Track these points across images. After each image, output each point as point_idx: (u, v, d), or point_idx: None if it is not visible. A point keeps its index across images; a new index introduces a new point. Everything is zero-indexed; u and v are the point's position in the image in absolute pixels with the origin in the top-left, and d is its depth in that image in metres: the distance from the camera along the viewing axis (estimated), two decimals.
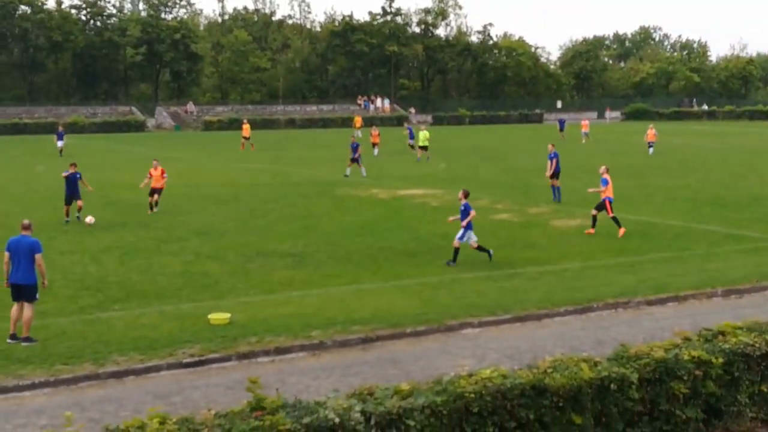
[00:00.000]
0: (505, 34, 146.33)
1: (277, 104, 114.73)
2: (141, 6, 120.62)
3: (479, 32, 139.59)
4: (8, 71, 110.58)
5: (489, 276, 22.54)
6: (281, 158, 58.70)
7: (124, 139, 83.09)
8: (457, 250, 23.67)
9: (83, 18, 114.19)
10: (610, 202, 28.38)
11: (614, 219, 28.26)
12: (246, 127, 69.88)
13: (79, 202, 31.21)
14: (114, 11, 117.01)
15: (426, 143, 55.94)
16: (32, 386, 14.77)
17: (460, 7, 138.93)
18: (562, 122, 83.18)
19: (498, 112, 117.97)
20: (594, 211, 28.56)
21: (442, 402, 9.81)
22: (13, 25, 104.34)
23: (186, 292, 20.90)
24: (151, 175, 33.79)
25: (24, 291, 16.76)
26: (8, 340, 16.64)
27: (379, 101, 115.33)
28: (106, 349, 16.31)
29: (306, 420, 9.21)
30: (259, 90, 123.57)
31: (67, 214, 30.97)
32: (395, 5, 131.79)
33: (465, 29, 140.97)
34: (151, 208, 33.00)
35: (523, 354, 15.81)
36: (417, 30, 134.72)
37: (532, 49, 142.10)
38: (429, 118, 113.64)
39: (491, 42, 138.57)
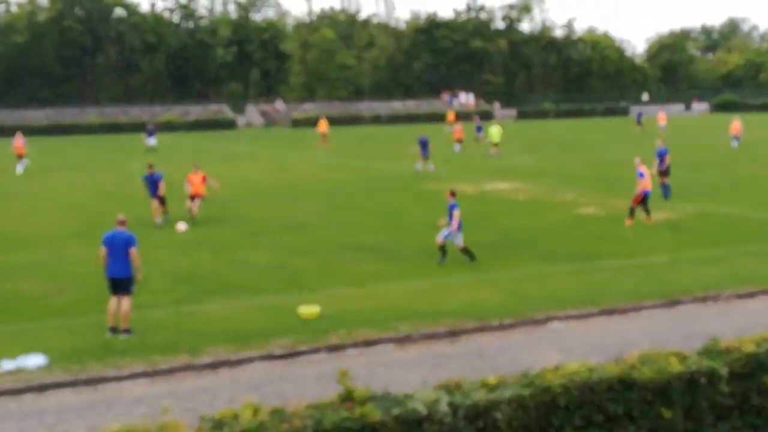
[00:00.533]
0: (589, 28, 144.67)
1: (362, 101, 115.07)
2: (231, 7, 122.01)
3: (563, 26, 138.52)
4: (105, 72, 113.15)
5: (575, 269, 22.27)
6: (367, 154, 58.91)
7: (216, 137, 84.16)
8: (442, 248, 23.37)
9: (176, 20, 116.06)
10: (646, 195, 28.51)
11: (632, 210, 28.58)
12: (323, 122, 70.54)
13: (154, 203, 30.28)
14: (205, 13, 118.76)
15: (498, 140, 55.12)
16: (131, 376, 15.07)
17: (544, 2, 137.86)
18: (639, 115, 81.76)
19: (583, 106, 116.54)
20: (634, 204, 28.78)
21: (529, 395, 9.71)
22: (109, 28, 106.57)
23: (276, 285, 21.08)
24: (190, 181, 31.15)
25: (121, 284, 17.08)
26: (107, 333, 17.01)
27: (463, 96, 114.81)
28: (201, 340, 16.55)
29: (395, 411, 9.20)
30: (345, 87, 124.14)
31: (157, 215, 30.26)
32: (479, 1, 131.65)
33: (549, 24, 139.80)
34: (192, 217, 30.40)
35: (609, 348, 15.56)
36: (501, 25, 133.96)
37: (617, 43, 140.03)
38: (513, 112, 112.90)
39: (575, 36, 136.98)
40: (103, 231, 18.52)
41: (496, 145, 55.03)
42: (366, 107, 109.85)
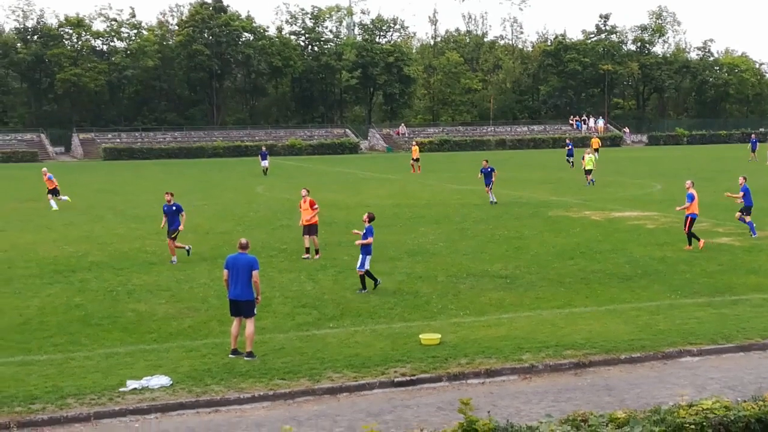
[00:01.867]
0: (726, 50, 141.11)
1: (487, 125, 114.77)
2: (356, 31, 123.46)
3: (699, 48, 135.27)
4: (232, 96, 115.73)
5: (709, 302, 21.64)
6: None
7: (339, 160, 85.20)
8: (362, 278, 23.19)
9: (302, 44, 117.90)
10: (693, 219, 28.87)
11: (689, 235, 28.86)
12: (415, 149, 71.11)
13: (170, 242, 28.05)
14: (331, 36, 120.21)
15: (591, 166, 53.12)
16: (252, 399, 15.31)
17: (679, 24, 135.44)
18: (754, 142, 77.46)
19: (718, 132, 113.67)
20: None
21: None
22: (237, 52, 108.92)
23: (397, 311, 21.13)
24: (301, 209, 29.09)
25: (242, 306, 17.40)
26: (230, 355, 17.33)
27: (592, 121, 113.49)
28: (322, 365, 16.70)
29: None
30: (469, 111, 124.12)
31: (172, 252, 28.07)
32: (610, 23, 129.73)
33: (684, 46, 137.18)
34: (317, 251, 28.64)
35: (746, 385, 15.11)
36: (632, 47, 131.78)
37: (757, 65, 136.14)
38: (644, 137, 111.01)
39: (712, 58, 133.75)
40: (227, 253, 18.94)
41: (588, 172, 53.01)
42: (491, 131, 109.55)
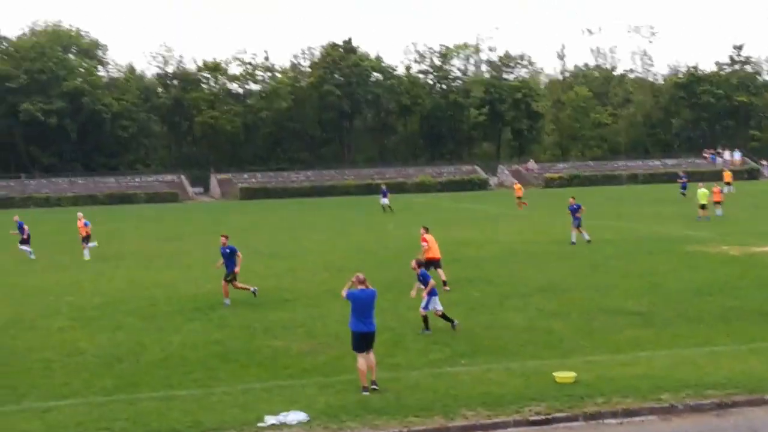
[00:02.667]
0: None
1: (618, 159, 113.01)
2: (484, 68, 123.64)
3: None
4: (362, 135, 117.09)
5: None
6: (624, 214, 57.68)
7: (468, 197, 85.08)
8: (425, 318, 22.61)
9: (430, 82, 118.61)
10: None
11: None
12: (518, 187, 72.34)
13: (224, 284, 27.73)
14: (459, 74, 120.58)
15: (704, 201, 51.52)
16: None
17: None
18: None
19: None
20: None
21: None
22: (366, 92, 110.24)
23: (530, 348, 20.83)
24: (425, 241, 29.68)
25: (368, 339, 17.60)
26: (363, 392, 17.39)
27: (727, 154, 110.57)
28: (455, 402, 16.57)
29: None
30: (599, 146, 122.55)
31: (226, 294, 27.75)
32: (744, 53, 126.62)
33: None
34: (444, 284, 28.66)
35: None
36: None
37: None
38: None
39: None
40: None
41: (703, 206, 51.32)
42: (622, 166, 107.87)
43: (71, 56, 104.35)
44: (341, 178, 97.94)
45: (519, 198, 68.82)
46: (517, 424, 15.69)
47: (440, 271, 29.29)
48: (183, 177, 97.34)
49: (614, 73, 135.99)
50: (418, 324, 23.69)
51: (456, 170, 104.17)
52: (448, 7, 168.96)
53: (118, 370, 19.71)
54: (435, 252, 29.52)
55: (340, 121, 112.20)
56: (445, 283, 28.87)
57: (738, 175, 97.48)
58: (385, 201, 67.08)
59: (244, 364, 19.97)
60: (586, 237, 41.45)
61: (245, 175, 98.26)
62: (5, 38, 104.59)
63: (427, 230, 30.23)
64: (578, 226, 41.61)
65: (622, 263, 34.34)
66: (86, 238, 42.26)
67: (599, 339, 21.62)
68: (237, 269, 27.69)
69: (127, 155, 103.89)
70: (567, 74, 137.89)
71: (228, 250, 27.86)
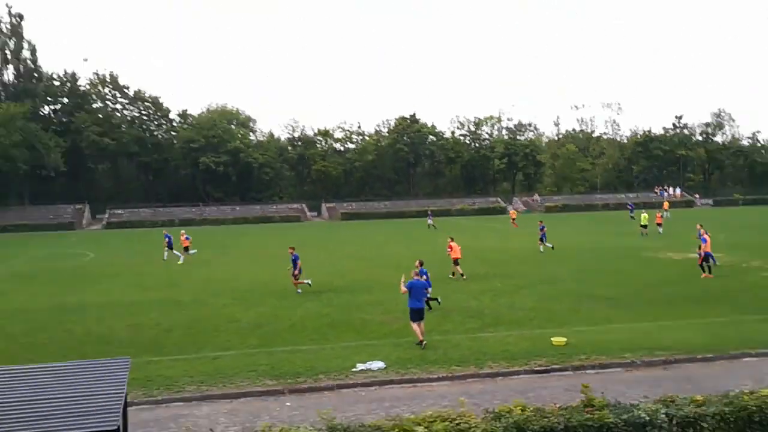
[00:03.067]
0: None
1: (595, 193, 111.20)
2: (504, 132, 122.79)
3: (749, 138, 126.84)
4: (422, 177, 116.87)
5: (765, 318, 20.13)
6: (599, 231, 56.65)
7: (492, 219, 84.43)
8: (427, 302, 21.17)
9: (467, 141, 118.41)
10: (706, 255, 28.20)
11: (701, 267, 28.25)
12: (512, 212, 71.81)
13: (293, 280, 27.35)
14: (486, 136, 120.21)
15: (646, 222, 49.98)
16: (438, 379, 15.28)
17: (734, 120, 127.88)
18: None
19: (766, 196, 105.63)
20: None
21: (730, 411, 8.84)
22: (425, 148, 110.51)
23: (535, 321, 20.67)
24: (450, 247, 30.41)
25: (420, 313, 17.84)
26: (418, 344, 17.48)
27: (671, 189, 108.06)
28: (484, 357, 16.50)
29: (624, 416, 8.71)
30: (583, 184, 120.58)
31: (296, 285, 27.32)
32: (683, 121, 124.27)
33: (738, 135, 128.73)
34: (462, 275, 29.24)
35: None
36: (700, 138, 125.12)
37: None
38: (710, 201, 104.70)
39: (759, 144, 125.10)
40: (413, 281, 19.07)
41: (644, 226, 49.60)
42: (598, 198, 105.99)
43: (232, 126, 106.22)
44: (408, 206, 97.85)
45: (513, 219, 67.72)
46: (526, 372, 15.60)
47: (458, 267, 29.77)
48: (304, 205, 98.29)
49: (593, 135, 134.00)
50: (458, 303, 23.62)
51: (484, 201, 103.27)
52: (480, 89, 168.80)
53: (261, 333, 20.02)
54: (457, 254, 30.08)
55: (407, 168, 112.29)
56: (462, 275, 29.46)
57: (678, 204, 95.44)
58: (430, 221, 67.57)
59: (343, 329, 20.15)
60: (547, 246, 40.14)
61: (345, 204, 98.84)
62: (191, 115, 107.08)
63: (452, 239, 31.18)
64: (542, 240, 40.60)
65: (598, 264, 33.80)
66: (186, 248, 40.65)
67: (583, 315, 21.37)
68: (296, 271, 27.25)
69: (268, 191, 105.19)
70: (560, 136, 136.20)
71: (293, 258, 27.51)
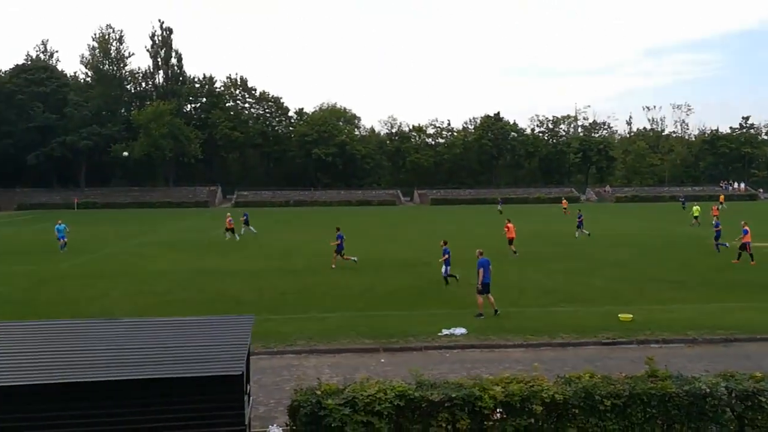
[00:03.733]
0: None
1: (663, 186, 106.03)
2: (579, 130, 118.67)
3: None
4: (503, 169, 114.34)
5: None
6: (666, 221, 53.97)
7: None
8: (445, 279, 22.19)
9: (545, 138, 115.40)
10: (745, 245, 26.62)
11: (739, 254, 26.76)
12: (564, 202, 68.19)
13: (338, 257, 26.70)
14: (563, 133, 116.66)
15: (697, 214, 47.10)
16: (513, 346, 15.06)
17: None
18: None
19: None
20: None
21: None
22: (506, 143, 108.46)
23: (604, 299, 19.96)
24: (507, 227, 30.82)
25: (488, 287, 17.64)
26: (479, 317, 17.25)
27: (735, 184, 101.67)
28: (556, 329, 16.12)
29: (685, 387, 8.32)
30: (651, 178, 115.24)
31: (333, 262, 26.79)
32: (749, 121, 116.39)
33: None
34: (515, 252, 29.40)
35: None
36: (765, 137, 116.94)
37: None
38: None
39: None
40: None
41: (695, 218, 46.76)
42: (666, 190, 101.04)
43: (340, 123, 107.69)
44: (490, 194, 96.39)
45: (564, 208, 64.14)
46: (594, 344, 15.15)
47: (512, 246, 29.94)
48: (398, 191, 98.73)
49: (663, 133, 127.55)
50: (534, 281, 23.12)
51: (559, 190, 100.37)
52: (558, 90, 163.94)
53: (363, 299, 20.29)
54: (512, 233, 30.37)
55: (490, 161, 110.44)
56: (515, 252, 29.54)
57: (741, 198, 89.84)
58: (499, 207, 68.88)
59: (431, 298, 20.13)
60: (582, 234, 38.51)
61: (434, 191, 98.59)
62: (306, 113, 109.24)
63: (509, 221, 31.56)
64: (579, 227, 39.13)
65: (663, 250, 32.27)
66: (230, 230, 38.87)
67: (648, 296, 20.49)
68: (343, 250, 26.84)
69: (368, 178, 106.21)
70: (632, 134, 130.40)
71: (340, 237, 26.98)
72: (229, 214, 42.40)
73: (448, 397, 7.97)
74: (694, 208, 49.39)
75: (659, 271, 25.21)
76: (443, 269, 22.56)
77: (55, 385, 7.27)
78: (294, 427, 8.09)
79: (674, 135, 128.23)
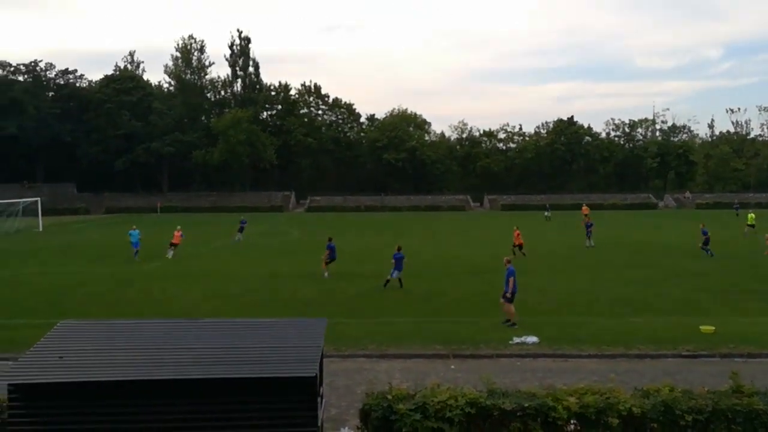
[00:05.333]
0: None
1: (748, 192, 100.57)
2: (657, 133, 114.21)
3: None
4: (576, 173, 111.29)
5: None
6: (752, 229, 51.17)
7: (643, 214, 79.14)
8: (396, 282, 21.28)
9: (621, 142, 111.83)
10: None
11: None
12: (585, 208, 62.63)
13: (323, 265, 25.75)
14: (640, 137, 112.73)
15: (752, 222, 44.14)
16: (588, 356, 14.65)
17: None
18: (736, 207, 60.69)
19: None
20: None
21: None
22: (580, 148, 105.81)
23: (683, 310, 19.11)
24: (518, 235, 32.05)
25: (514, 296, 17.31)
26: (508, 323, 16.97)
27: None
28: (632, 339, 15.57)
29: None
30: (735, 183, 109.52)
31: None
32: None
33: None
34: (524, 254, 30.63)
35: None
36: None
37: None
38: None
39: None
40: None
41: (751, 226, 43.73)
42: (751, 196, 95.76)
43: (411, 128, 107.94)
44: (562, 199, 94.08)
45: (586, 215, 58.85)
46: (673, 356, 14.54)
47: (518, 249, 30.88)
48: (468, 197, 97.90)
49: (748, 137, 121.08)
50: (609, 291, 22.39)
51: (635, 197, 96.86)
52: (634, 94, 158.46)
53: (431, 304, 20.20)
54: (519, 240, 31.37)
55: (563, 166, 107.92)
56: (524, 254, 30.45)
57: None
58: (547, 213, 66.08)
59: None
60: (591, 245, 36.27)
61: (504, 196, 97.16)
62: (377, 119, 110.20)
63: (517, 228, 32.61)
64: (588, 236, 36.90)
65: (748, 258, 30.59)
66: (173, 245, 33.10)
67: (732, 306, 19.50)
68: (335, 258, 25.75)
69: (438, 183, 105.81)
70: (714, 137, 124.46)
71: (330, 247, 26.03)
72: (179, 227, 36.56)
73: (521, 406, 7.83)
74: (749, 215, 46.51)
75: (744, 281, 23.95)
76: (392, 271, 22.63)
77: (138, 381, 7.61)
78: (365, 431, 8.14)
79: (760, 138, 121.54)
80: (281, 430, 7.72)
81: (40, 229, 52.56)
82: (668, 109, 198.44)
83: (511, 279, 17.22)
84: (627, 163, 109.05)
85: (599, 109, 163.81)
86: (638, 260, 30.31)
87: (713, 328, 16.18)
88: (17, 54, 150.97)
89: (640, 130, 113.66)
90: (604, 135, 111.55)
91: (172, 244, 33.09)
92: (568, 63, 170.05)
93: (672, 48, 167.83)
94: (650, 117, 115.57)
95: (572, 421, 7.80)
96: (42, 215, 56.98)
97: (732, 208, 73.67)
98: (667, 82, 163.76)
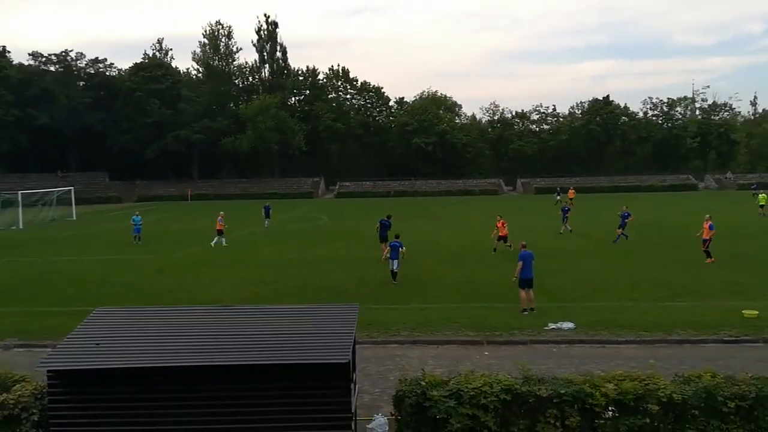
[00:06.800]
0: None
1: None
2: (697, 112, 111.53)
3: None
4: (612, 155, 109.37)
5: None
6: None
7: (682, 195, 77.57)
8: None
9: (659, 122, 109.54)
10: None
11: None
12: (571, 191, 61.18)
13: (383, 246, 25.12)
14: (679, 117, 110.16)
15: (764, 203, 43.16)
16: (625, 342, 14.52)
17: None
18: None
19: None
20: None
21: None
22: (616, 129, 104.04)
23: (725, 294, 18.77)
24: (497, 227, 28.39)
25: (528, 282, 17.01)
26: (523, 312, 16.72)
27: None
28: (672, 324, 15.35)
29: None
30: None
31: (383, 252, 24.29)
32: None
33: None
34: (509, 246, 27.16)
35: None
36: None
37: None
38: None
39: None
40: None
41: (762, 206, 42.91)
42: None
43: (441, 111, 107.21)
44: (598, 182, 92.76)
45: (570, 199, 56.03)
46: (715, 341, 14.32)
47: (501, 242, 27.87)
48: (500, 180, 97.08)
49: None
50: (648, 275, 22.05)
51: (675, 178, 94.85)
52: (672, 68, 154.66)
53: (462, 290, 20.21)
54: (504, 231, 28.06)
55: (599, 148, 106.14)
56: (509, 246, 27.20)
57: None
58: (558, 197, 63.91)
59: (536, 291, 19.28)
60: (567, 229, 35.07)
61: (538, 179, 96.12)
62: (406, 102, 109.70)
63: (501, 217, 29.07)
64: (564, 221, 35.58)
65: None
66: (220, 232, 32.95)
67: None
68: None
69: (469, 167, 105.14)
70: (757, 115, 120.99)
71: (386, 223, 26.93)
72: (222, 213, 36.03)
73: (557, 393, 7.79)
74: (761, 196, 45.25)
75: None
76: (391, 263, 21.38)
77: (177, 367, 7.78)
78: (399, 417, 8.20)
79: None
80: (315, 416, 7.83)
81: (74, 218, 53.78)
82: (708, 86, 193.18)
83: (520, 263, 17.04)
84: (665, 143, 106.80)
85: (636, 88, 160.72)
86: (678, 243, 29.76)
87: (757, 312, 15.86)
88: (48, 44, 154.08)
89: (679, 108, 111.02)
90: (641, 114, 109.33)
91: (218, 231, 33.12)
92: (603, 41, 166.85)
93: (712, 23, 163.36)
94: (689, 95, 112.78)
95: (610, 408, 7.74)
96: (75, 204, 58.30)
97: (750, 189, 71.19)
98: (707, 59, 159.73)
